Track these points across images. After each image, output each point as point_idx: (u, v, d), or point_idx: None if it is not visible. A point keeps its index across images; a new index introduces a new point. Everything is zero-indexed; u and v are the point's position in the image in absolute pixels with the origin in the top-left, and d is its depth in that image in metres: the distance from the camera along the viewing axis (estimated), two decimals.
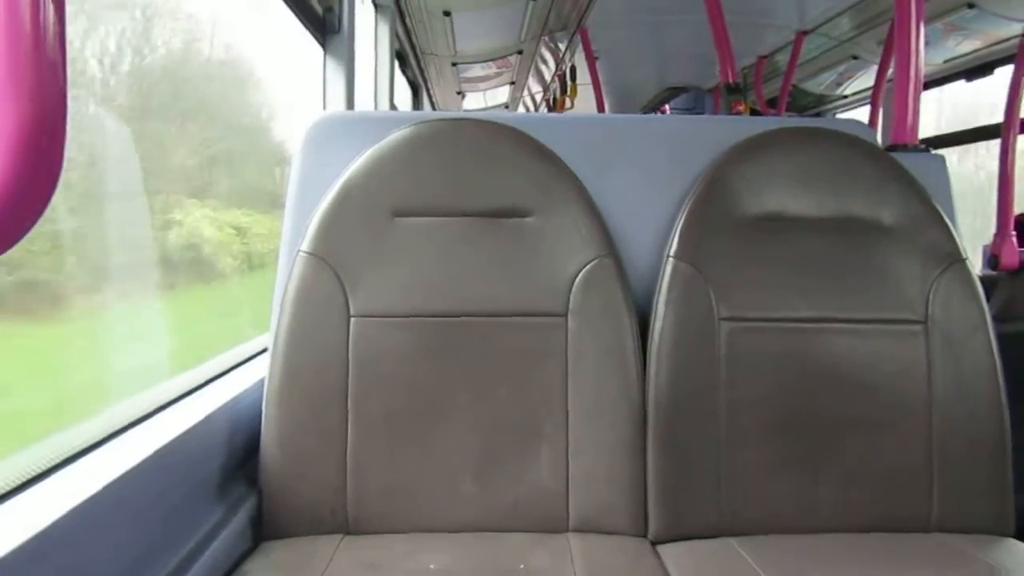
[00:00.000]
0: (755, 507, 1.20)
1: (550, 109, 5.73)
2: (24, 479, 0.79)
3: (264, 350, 1.27)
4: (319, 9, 2.08)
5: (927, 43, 2.85)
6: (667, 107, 5.50)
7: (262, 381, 1.21)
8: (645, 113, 5.41)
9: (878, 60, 3.43)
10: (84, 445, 0.90)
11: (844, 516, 1.21)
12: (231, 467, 1.18)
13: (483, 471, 1.19)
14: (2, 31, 0.43)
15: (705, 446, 1.20)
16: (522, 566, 1.07)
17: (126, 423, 1.00)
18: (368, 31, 3.02)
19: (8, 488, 0.77)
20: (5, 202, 0.44)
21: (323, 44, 2.16)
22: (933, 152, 1.43)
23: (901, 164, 1.30)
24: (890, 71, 3.21)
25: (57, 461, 0.85)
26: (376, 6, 3.05)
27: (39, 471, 0.82)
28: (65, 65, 0.46)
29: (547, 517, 1.18)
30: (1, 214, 0.44)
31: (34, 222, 0.47)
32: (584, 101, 4.68)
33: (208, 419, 1.08)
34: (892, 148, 1.47)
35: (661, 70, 4.73)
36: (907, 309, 1.25)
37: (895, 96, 1.53)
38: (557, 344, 1.20)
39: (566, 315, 1.21)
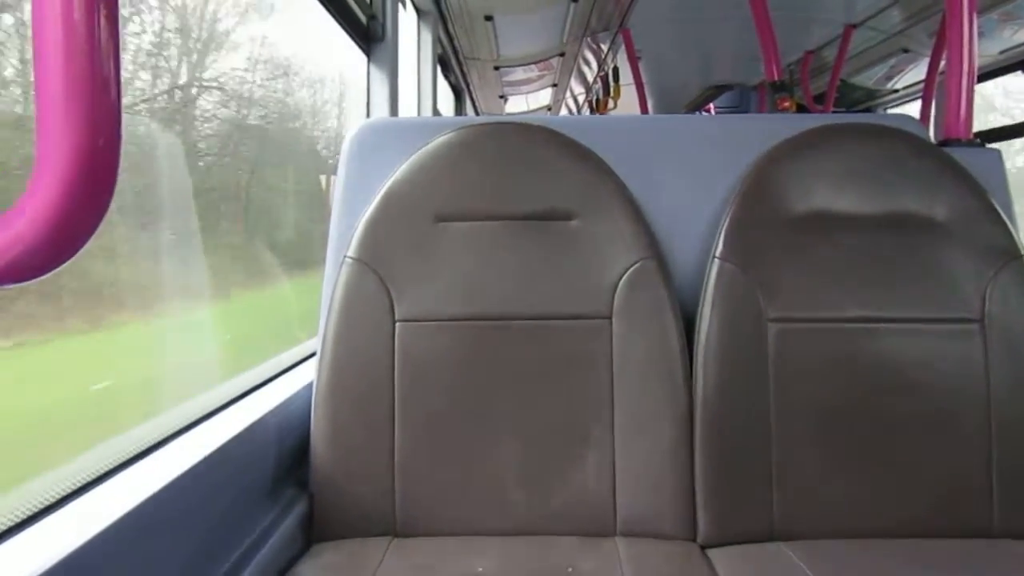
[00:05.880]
0: (807, 511, 1.18)
1: (593, 111, 5.71)
2: (82, 483, 0.82)
3: (312, 354, 1.29)
4: (363, 18, 2.11)
5: (981, 34, 2.77)
6: (712, 107, 5.43)
7: (310, 385, 1.23)
8: (689, 112, 5.35)
9: (929, 52, 3.34)
10: (138, 450, 0.93)
11: (900, 521, 1.18)
12: (282, 470, 1.20)
13: (529, 474, 1.19)
14: (58, 50, 0.44)
15: (755, 449, 1.18)
16: (570, 569, 1.06)
17: (179, 427, 1.03)
18: (411, 37, 3.05)
19: (66, 492, 0.79)
20: (62, 219, 0.45)
21: (367, 52, 2.19)
22: (988, 146, 1.39)
23: (954, 159, 1.27)
24: (942, 64, 3.13)
25: (112, 466, 0.87)
26: (419, 12, 3.08)
27: (95, 476, 0.84)
28: (119, 84, 0.47)
29: (594, 521, 1.18)
30: (57, 231, 0.45)
31: (87, 239, 0.47)
32: (628, 102, 4.65)
33: (259, 423, 1.11)
34: (945, 143, 1.43)
35: (705, 68, 4.67)
36: (962, 308, 1.21)
37: (947, 89, 1.48)
38: (602, 347, 1.20)
39: (611, 318, 1.20)
